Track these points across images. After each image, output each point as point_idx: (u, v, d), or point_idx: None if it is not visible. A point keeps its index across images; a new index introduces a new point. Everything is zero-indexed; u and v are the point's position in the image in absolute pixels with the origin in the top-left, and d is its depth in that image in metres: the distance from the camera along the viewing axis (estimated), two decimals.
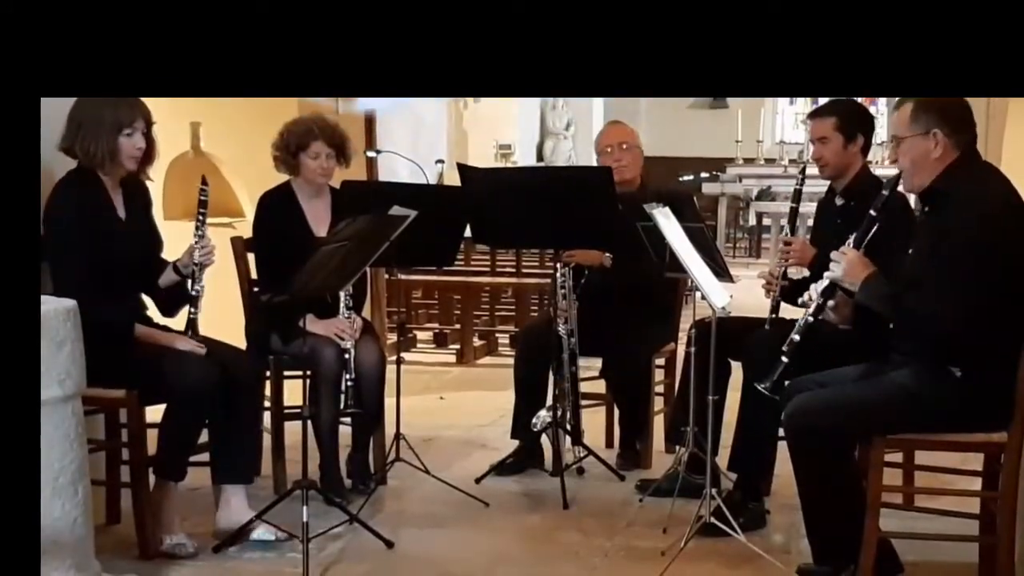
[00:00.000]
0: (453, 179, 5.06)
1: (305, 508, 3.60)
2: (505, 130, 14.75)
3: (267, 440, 4.58)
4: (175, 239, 4.16)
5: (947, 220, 3.22)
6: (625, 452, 5.00)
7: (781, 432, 3.61)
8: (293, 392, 4.44)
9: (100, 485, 3.87)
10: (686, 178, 15.86)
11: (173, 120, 5.25)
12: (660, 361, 5.09)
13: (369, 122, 6.43)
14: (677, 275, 4.29)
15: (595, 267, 4.86)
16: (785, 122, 19.30)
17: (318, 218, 4.47)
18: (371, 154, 6.35)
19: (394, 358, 4.58)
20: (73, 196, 3.74)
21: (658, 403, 5.08)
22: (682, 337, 4.84)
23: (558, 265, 4.69)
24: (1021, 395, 3.14)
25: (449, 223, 4.48)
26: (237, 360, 3.94)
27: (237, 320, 4.56)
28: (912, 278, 3.27)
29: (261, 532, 3.86)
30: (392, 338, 6.35)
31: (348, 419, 4.41)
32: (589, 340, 4.78)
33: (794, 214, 4.40)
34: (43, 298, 2.95)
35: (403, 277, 6.94)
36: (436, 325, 8.60)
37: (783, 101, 18.77)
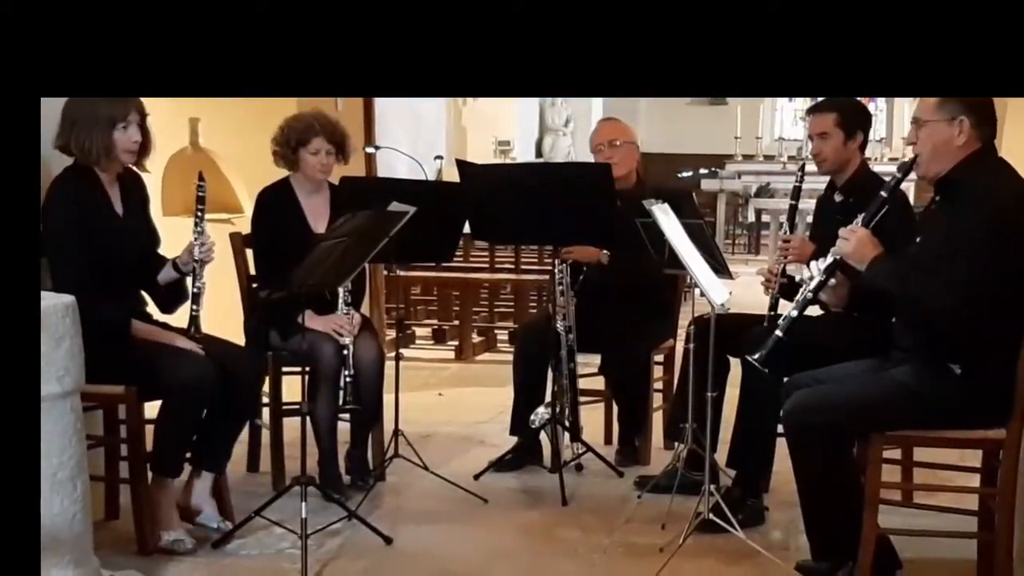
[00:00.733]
0: (452, 175, 5.05)
1: (304, 504, 3.60)
2: (504, 127, 14.75)
3: (266, 436, 4.59)
4: (174, 235, 4.16)
5: (960, 211, 3.21)
6: (624, 448, 5.00)
7: (780, 428, 3.62)
8: (292, 388, 4.44)
9: (99, 481, 3.88)
10: (685, 174, 15.87)
11: (172, 116, 5.25)
12: (659, 358, 5.09)
13: (368, 118, 6.42)
14: (676, 272, 4.29)
15: (593, 264, 4.85)
16: (784, 118, 19.33)
17: (317, 214, 4.47)
18: (370, 150, 6.35)
19: (393, 354, 4.58)
20: (70, 193, 3.73)
21: (657, 399, 5.08)
22: (681, 334, 4.84)
23: (556, 262, 4.69)
24: (1020, 392, 3.14)
25: (448, 219, 4.48)
26: (236, 357, 3.94)
27: (236, 316, 4.56)
28: (922, 265, 3.26)
29: (205, 516, 3.89)
30: (391, 334, 6.36)
31: (347, 415, 4.41)
32: (588, 336, 4.78)
33: (793, 211, 4.40)
34: (42, 294, 2.94)
35: (402, 273, 6.93)
36: (435, 321, 8.60)
37: (782, 98, 18.77)
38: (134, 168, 3.93)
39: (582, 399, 4.99)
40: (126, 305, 3.87)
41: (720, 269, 3.99)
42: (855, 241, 3.30)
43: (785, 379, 3.61)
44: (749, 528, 3.93)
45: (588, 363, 5.14)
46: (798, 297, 3.43)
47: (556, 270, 4.68)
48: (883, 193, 3.36)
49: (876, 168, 4.70)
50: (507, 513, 4.31)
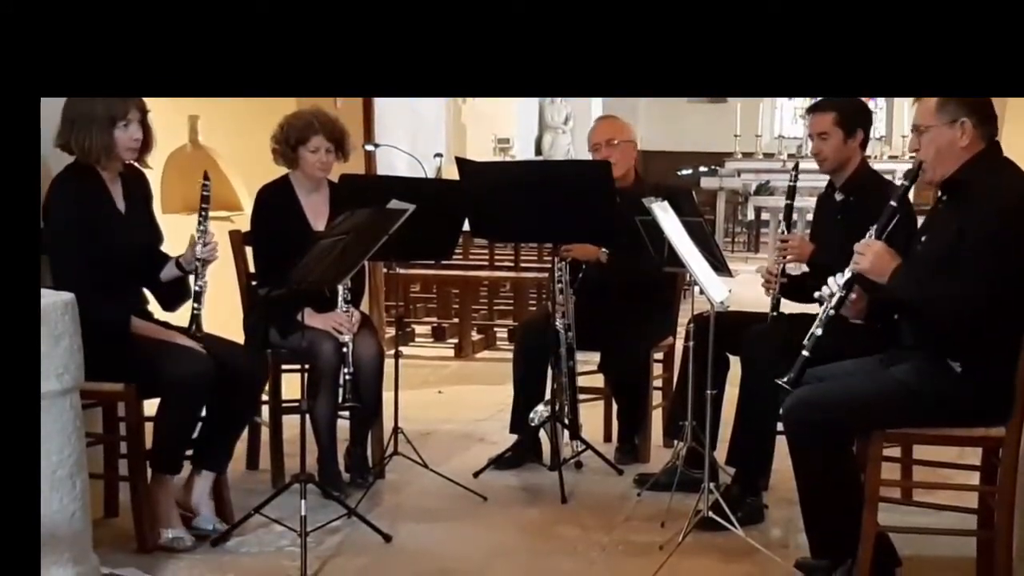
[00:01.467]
0: (452, 173, 5.05)
1: (303, 502, 3.60)
2: (504, 124, 14.75)
3: (265, 434, 4.59)
4: (173, 232, 4.16)
5: (967, 212, 3.21)
6: (623, 446, 5.00)
7: (780, 426, 3.62)
8: (291, 386, 4.44)
9: (98, 478, 3.87)
10: (684, 172, 15.87)
11: (171, 113, 5.24)
12: (659, 355, 5.09)
13: (368, 116, 6.41)
14: (676, 270, 4.29)
15: (592, 262, 4.85)
16: (784, 116, 19.33)
17: (316, 212, 4.47)
18: (369, 148, 6.34)
19: (392, 352, 4.58)
20: (71, 190, 3.73)
21: (656, 397, 5.08)
22: (680, 331, 4.84)
23: (555, 260, 4.69)
24: (1020, 390, 3.14)
25: (447, 217, 4.48)
26: (237, 356, 3.93)
27: (235, 314, 4.55)
28: (934, 268, 3.25)
29: (202, 519, 3.88)
30: (390, 332, 6.35)
31: (346, 413, 4.41)
32: (588, 334, 4.78)
33: (789, 210, 4.40)
34: (41, 292, 2.94)
35: (401, 271, 6.92)
36: (434, 319, 8.60)
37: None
38: (136, 165, 3.93)
39: (582, 397, 4.99)
40: (126, 303, 3.87)
41: (720, 267, 4.00)
42: (872, 256, 3.26)
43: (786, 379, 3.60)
44: (748, 526, 3.93)
45: (588, 361, 5.14)
46: (820, 315, 3.40)
47: (555, 268, 4.68)
48: (892, 203, 3.33)
49: (876, 166, 4.70)
50: (506, 511, 4.31)
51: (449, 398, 6.44)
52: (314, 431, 4.26)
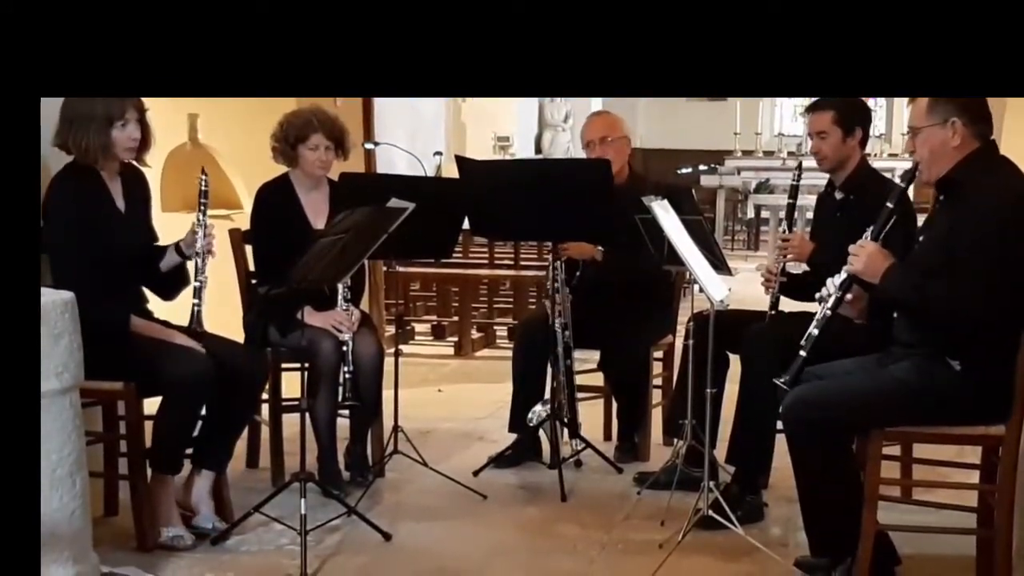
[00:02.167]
0: (451, 171, 5.05)
1: (303, 500, 3.60)
2: (503, 122, 14.74)
3: (265, 432, 4.59)
4: (173, 231, 4.15)
5: (962, 211, 3.21)
6: (623, 445, 5.00)
7: (779, 425, 3.62)
8: (291, 384, 4.44)
9: (98, 477, 3.87)
10: (684, 171, 15.85)
11: (171, 112, 5.23)
12: (658, 354, 5.09)
13: (367, 114, 6.41)
14: (675, 268, 4.29)
15: (588, 260, 4.85)
16: (783, 114, 19.33)
17: (316, 210, 4.47)
18: (369, 146, 6.34)
19: (392, 350, 4.57)
20: (70, 189, 3.73)
21: (656, 396, 5.08)
22: (680, 330, 4.84)
23: (551, 258, 4.68)
24: (1020, 388, 3.14)
25: (447, 215, 4.47)
26: (237, 356, 3.93)
27: (235, 313, 4.55)
28: (929, 268, 3.26)
29: (201, 518, 3.87)
30: (390, 330, 6.36)
31: (346, 411, 4.41)
32: (587, 333, 4.78)
33: (791, 210, 4.40)
34: (41, 290, 2.94)
35: (401, 269, 6.93)
36: (434, 317, 8.59)
37: None
38: (136, 164, 3.93)
39: (581, 395, 4.99)
40: (126, 301, 3.87)
41: (719, 265, 3.99)
42: (865, 257, 3.28)
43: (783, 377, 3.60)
44: (748, 524, 3.93)
45: (587, 359, 5.13)
46: (818, 315, 3.41)
47: (551, 267, 4.67)
48: (889, 204, 3.35)
49: (876, 164, 4.70)
50: (506, 509, 4.31)
51: (449, 396, 6.44)
52: (314, 430, 4.26)
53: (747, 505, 4.07)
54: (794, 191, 4.42)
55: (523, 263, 8.29)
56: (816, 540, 3.47)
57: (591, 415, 5.15)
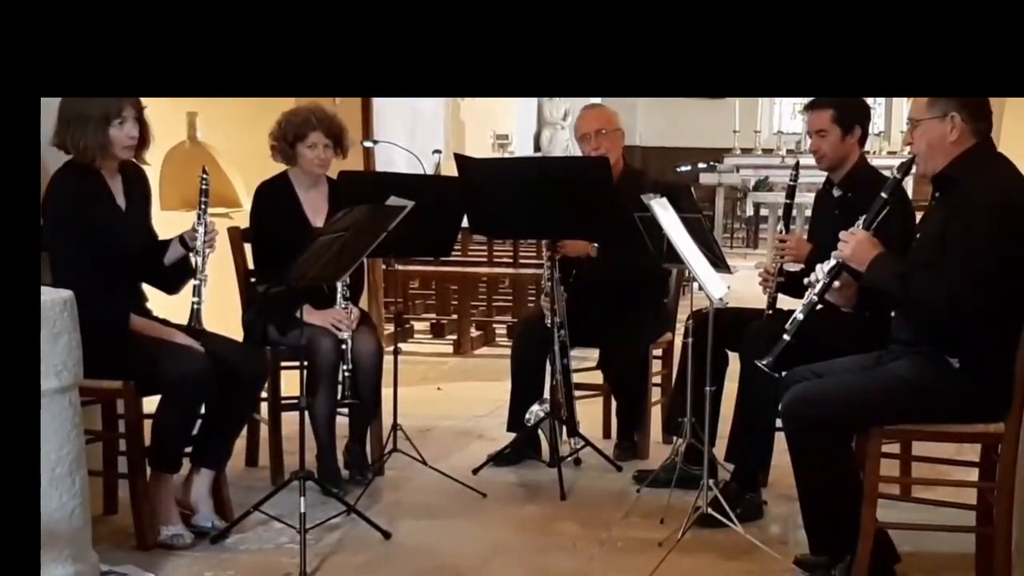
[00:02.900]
0: (450, 169, 5.05)
1: (302, 499, 3.60)
2: (502, 120, 14.73)
3: (264, 431, 4.59)
4: (172, 229, 4.15)
5: (957, 207, 3.22)
6: (622, 443, 5.00)
7: (779, 423, 3.62)
8: (290, 382, 4.44)
9: (97, 476, 3.87)
10: (683, 168, 15.86)
11: (169, 110, 5.23)
12: (657, 352, 5.09)
13: (366, 112, 6.41)
14: (674, 266, 4.29)
15: (583, 258, 4.85)
16: (782, 112, 19.33)
17: (315, 208, 4.47)
18: (368, 144, 6.34)
19: (391, 348, 4.57)
20: (70, 187, 3.73)
21: (655, 394, 5.08)
22: (679, 328, 4.84)
23: (546, 256, 4.68)
24: (1019, 386, 3.15)
25: (446, 213, 4.48)
26: (237, 354, 3.93)
27: (234, 311, 4.55)
28: (920, 261, 3.26)
29: (200, 516, 3.87)
30: (389, 328, 6.36)
31: (345, 410, 4.41)
32: (586, 331, 4.78)
33: (788, 210, 4.40)
34: (41, 289, 2.94)
35: (400, 267, 6.91)
36: (433, 315, 8.60)
37: None
38: (135, 162, 3.93)
39: (581, 393, 4.99)
40: (125, 300, 3.87)
41: (718, 263, 3.99)
42: (854, 243, 3.30)
43: (783, 373, 3.61)
44: (747, 522, 3.93)
45: (587, 357, 5.13)
46: (804, 300, 3.43)
47: (546, 265, 4.67)
48: (883, 195, 3.36)
49: (875, 162, 4.70)
50: (505, 507, 4.31)
51: (448, 394, 6.44)
52: (313, 428, 4.26)
53: (746, 503, 4.07)
54: (791, 191, 4.42)
55: (522, 261, 8.29)
56: (815, 538, 3.47)
57: (590, 413, 5.15)
